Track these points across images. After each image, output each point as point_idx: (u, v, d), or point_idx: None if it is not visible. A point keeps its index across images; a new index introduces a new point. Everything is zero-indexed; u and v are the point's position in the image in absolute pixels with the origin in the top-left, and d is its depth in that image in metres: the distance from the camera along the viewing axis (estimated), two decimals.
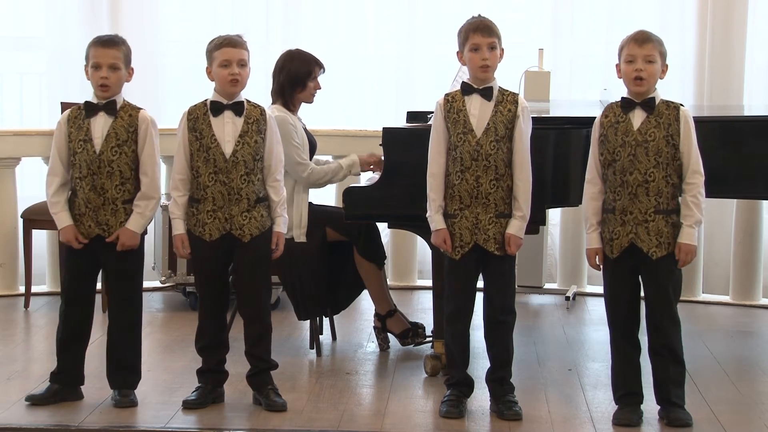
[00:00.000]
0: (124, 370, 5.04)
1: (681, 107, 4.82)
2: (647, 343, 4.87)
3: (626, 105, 4.82)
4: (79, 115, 4.95)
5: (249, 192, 4.92)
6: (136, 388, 5.06)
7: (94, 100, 4.94)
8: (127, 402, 5.00)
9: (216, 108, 4.93)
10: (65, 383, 5.04)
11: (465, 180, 4.90)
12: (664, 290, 4.81)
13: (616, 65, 4.86)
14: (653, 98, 4.80)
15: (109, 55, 4.90)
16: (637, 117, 4.80)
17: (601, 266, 4.88)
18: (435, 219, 4.95)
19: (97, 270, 5.07)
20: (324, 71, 5.96)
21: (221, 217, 4.92)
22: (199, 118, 4.94)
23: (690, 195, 4.78)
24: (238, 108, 4.94)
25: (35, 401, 4.98)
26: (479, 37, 4.89)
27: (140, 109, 5.00)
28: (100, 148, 4.90)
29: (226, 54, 4.90)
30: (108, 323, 5.05)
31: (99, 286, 5.18)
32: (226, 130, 4.92)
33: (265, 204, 4.98)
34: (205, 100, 4.97)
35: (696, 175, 4.79)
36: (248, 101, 4.99)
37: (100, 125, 4.92)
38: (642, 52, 4.76)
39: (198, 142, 4.92)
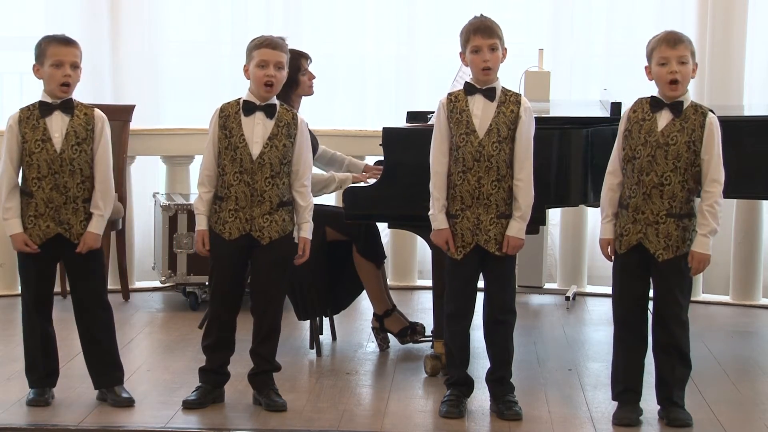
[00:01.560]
0: (107, 367, 5.03)
1: (709, 113, 4.76)
2: (653, 341, 4.85)
3: (655, 104, 4.79)
4: (31, 115, 4.89)
5: (272, 195, 4.90)
6: (123, 383, 5.06)
7: (48, 100, 4.89)
8: (123, 400, 4.99)
9: (248, 108, 4.91)
10: (52, 383, 5.06)
11: (466, 181, 4.89)
12: (671, 293, 4.79)
13: (645, 67, 4.81)
14: (682, 101, 4.76)
15: (71, 54, 4.86)
16: (663, 118, 4.76)
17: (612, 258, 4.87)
18: (438, 218, 4.93)
19: (55, 271, 5.05)
20: (311, 61, 5.94)
21: (242, 217, 4.91)
22: (230, 116, 4.92)
23: (706, 204, 4.72)
24: (270, 110, 4.92)
25: (35, 404, 4.98)
26: (480, 38, 4.87)
27: (93, 107, 4.98)
28: (61, 147, 4.85)
29: (264, 55, 4.87)
30: (80, 325, 5.03)
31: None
32: (256, 131, 4.90)
33: (288, 208, 4.95)
34: (239, 99, 4.95)
35: (714, 184, 4.72)
36: (282, 104, 4.97)
37: (58, 124, 4.87)
38: (675, 54, 4.71)
39: (227, 140, 4.90)
